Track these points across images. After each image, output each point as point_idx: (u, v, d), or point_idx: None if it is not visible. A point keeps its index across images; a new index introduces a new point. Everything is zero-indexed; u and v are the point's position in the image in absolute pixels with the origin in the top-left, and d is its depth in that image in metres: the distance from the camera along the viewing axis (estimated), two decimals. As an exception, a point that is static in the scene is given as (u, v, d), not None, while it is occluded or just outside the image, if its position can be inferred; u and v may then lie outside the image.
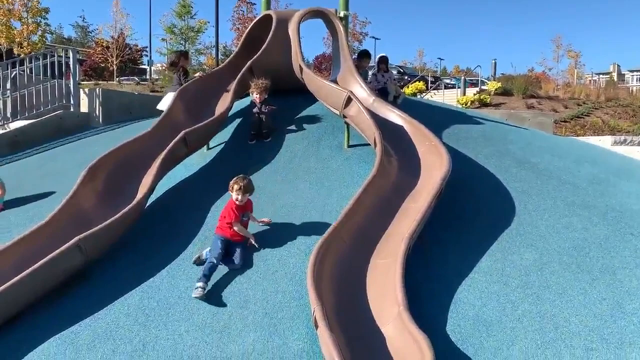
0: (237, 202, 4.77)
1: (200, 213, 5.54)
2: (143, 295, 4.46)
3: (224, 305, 4.31)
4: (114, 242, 4.90)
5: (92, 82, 28.99)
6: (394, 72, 28.16)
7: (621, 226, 5.37)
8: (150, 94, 18.65)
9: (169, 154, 5.74)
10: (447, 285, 4.33)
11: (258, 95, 6.79)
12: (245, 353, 3.85)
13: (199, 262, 4.75)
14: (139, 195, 5.22)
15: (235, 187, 4.76)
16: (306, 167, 6.15)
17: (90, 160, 5.75)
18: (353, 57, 8.05)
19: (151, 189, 5.37)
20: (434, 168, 5.36)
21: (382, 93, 7.74)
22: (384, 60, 8.43)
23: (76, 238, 4.50)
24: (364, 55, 8.80)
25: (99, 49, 39.43)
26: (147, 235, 5.23)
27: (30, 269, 4.33)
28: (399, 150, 5.75)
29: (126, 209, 4.95)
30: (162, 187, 5.86)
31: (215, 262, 4.58)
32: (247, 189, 4.80)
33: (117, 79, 34.53)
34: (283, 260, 4.74)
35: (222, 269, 4.65)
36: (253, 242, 4.85)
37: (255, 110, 6.86)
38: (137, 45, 49.20)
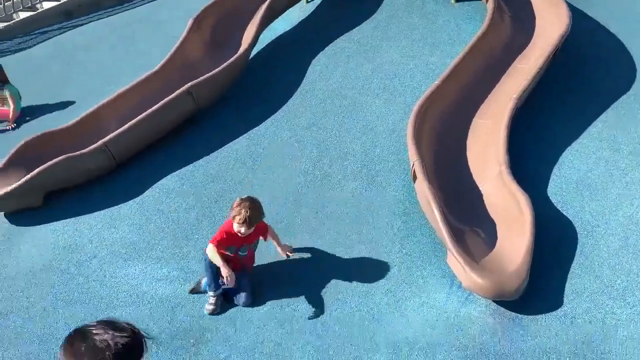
0: (239, 234, 3.29)
1: (300, 67, 5.57)
2: (249, 142, 4.73)
3: (325, 156, 4.49)
4: (221, 92, 5.11)
5: None
6: None
7: None
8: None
9: (270, 5, 5.68)
10: (552, 148, 4.21)
11: None
12: (344, 199, 4.08)
13: (196, 292, 3.51)
14: (243, 47, 5.30)
15: (238, 218, 3.22)
16: (409, 23, 5.86)
17: (194, 12, 5.83)
18: None
19: (254, 41, 5.42)
20: (551, 26, 4.94)
21: None
22: None
23: (187, 85, 4.74)
24: None
25: None
26: (251, 87, 5.39)
27: (146, 112, 4.67)
28: (512, 4, 5.32)
29: (232, 59, 5.08)
30: (263, 40, 5.89)
31: (214, 293, 3.37)
32: (253, 220, 3.25)
33: None
34: (382, 117, 4.77)
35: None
36: (225, 280, 3.31)
37: None
38: None
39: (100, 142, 4.45)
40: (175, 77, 5.10)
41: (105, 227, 4.11)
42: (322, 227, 3.89)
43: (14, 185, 4.19)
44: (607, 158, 4.09)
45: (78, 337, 1.18)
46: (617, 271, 3.31)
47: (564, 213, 3.69)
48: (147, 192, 4.38)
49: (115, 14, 7.52)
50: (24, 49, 7.20)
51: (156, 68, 5.23)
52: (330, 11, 6.50)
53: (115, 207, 4.30)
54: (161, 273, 3.67)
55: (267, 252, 3.63)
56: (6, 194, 4.17)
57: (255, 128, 4.87)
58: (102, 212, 4.25)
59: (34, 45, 7.24)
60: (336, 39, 5.88)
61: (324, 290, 3.42)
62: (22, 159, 4.47)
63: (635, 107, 4.58)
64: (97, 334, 1.17)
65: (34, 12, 7.84)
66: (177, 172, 4.54)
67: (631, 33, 5.60)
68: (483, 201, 3.76)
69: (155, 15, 7.17)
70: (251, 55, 5.61)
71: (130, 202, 4.31)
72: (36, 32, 7.51)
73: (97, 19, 7.51)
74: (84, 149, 4.46)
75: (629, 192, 3.81)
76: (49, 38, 7.37)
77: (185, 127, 4.96)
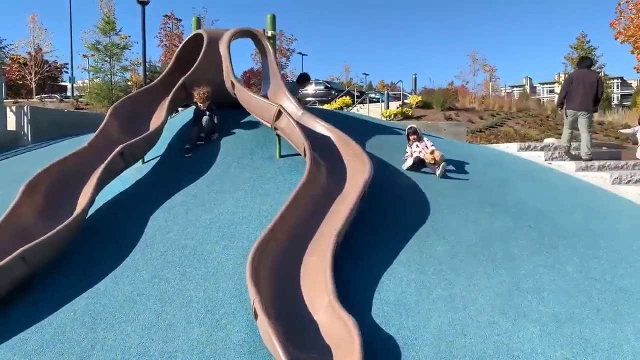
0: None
1: (139, 223, 5.78)
2: (88, 301, 4.67)
3: (168, 306, 4.60)
4: (56, 253, 5.06)
5: (10, 100, 27.74)
6: (321, 86, 28.99)
7: (521, 220, 6.15)
8: (76, 111, 18.25)
9: (107, 167, 5.96)
10: (371, 275, 4.86)
11: (202, 103, 7.61)
12: (190, 346, 4.17)
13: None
14: (79, 208, 5.41)
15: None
16: (241, 177, 6.53)
17: (24, 176, 5.86)
18: (281, 72, 8.56)
19: (91, 201, 5.56)
20: (358, 174, 5.90)
21: (420, 164, 7.32)
22: (414, 131, 7.63)
23: (20, 250, 4.65)
24: (304, 79, 9.43)
25: (16, 65, 37.82)
26: (89, 246, 5.41)
27: (-27, 282, 4.43)
28: (326, 158, 6.26)
29: (68, 220, 5.13)
30: (100, 200, 6.04)
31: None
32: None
33: (39, 96, 33.17)
34: (222, 263, 5.09)
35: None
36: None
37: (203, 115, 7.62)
38: (57, 62, 47.54)
39: None
40: (7, 243, 4.95)
41: None
42: (170, 378, 3.91)
43: None
44: (415, 279, 4.83)
45: None
46: (435, 376, 3.83)
47: (387, 331, 4.21)
48: (-31, 369, 4.03)
49: None
50: None
51: (-17, 235, 5.06)
52: (167, 170, 6.95)
53: None
54: None
55: None
56: None
57: (94, 287, 4.84)
58: None
59: None
60: (174, 194, 6.27)
61: None
62: None
63: (432, 234, 5.55)
64: None
65: None
66: (7, 342, 4.25)
67: (425, 176, 6.90)
68: (319, 329, 4.16)
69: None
70: (89, 214, 5.70)
71: (-51, 383, 3.91)
72: None
73: None
74: None
75: (436, 306, 4.52)
76: None
77: (16, 294, 4.75)
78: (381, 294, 4.63)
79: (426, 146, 7.36)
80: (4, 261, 4.57)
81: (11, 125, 9.91)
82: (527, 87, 79.29)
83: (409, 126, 7.81)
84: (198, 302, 4.62)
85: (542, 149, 10.61)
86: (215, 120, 7.58)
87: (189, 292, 4.74)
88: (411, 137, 7.53)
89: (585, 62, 10.31)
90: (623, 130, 11.04)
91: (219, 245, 5.33)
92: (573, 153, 10.23)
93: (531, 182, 7.81)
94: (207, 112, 7.53)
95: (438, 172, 7.11)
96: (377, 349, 3.99)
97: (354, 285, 4.68)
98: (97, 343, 4.23)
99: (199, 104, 7.57)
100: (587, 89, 9.70)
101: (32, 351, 4.18)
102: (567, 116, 10.02)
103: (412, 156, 7.33)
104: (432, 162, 7.15)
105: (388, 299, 4.57)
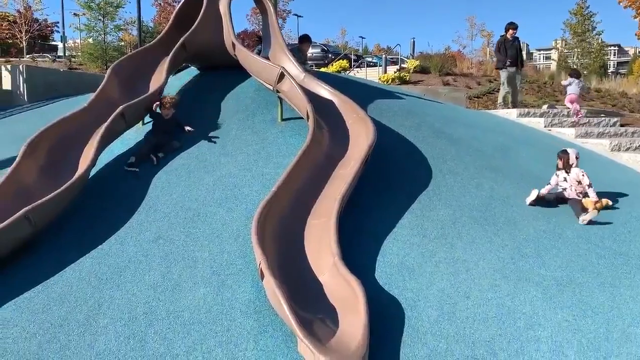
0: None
1: (141, 184, 5.78)
2: (93, 261, 4.70)
3: (173, 266, 4.64)
4: (60, 213, 5.06)
5: (2, 59, 27.17)
6: (318, 49, 28.52)
7: (522, 185, 6.18)
8: (72, 71, 17.93)
9: (108, 128, 5.91)
10: (375, 239, 4.90)
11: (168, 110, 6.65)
12: (197, 305, 4.22)
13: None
14: (82, 168, 5.38)
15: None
16: (243, 140, 6.49)
17: (24, 136, 5.80)
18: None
19: (93, 162, 5.54)
20: (361, 138, 5.88)
21: (563, 200, 5.80)
22: (566, 155, 5.88)
23: (24, 209, 4.64)
24: (306, 40, 9.18)
25: (5, 23, 36.90)
26: (92, 206, 5.42)
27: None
28: (329, 122, 6.22)
29: (72, 180, 5.12)
30: (101, 161, 6.01)
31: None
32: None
33: (31, 56, 32.51)
34: (227, 225, 5.12)
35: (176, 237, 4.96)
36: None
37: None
38: (47, 20, 46.39)
39: None
40: (10, 203, 4.94)
41: None
42: (177, 337, 3.96)
43: None
44: (418, 243, 4.88)
45: None
46: (438, 337, 3.91)
47: (390, 293, 4.28)
48: (-21, 327, 4.06)
49: None
50: None
51: (-15, 195, 5.04)
52: (168, 131, 6.88)
53: (-60, 347, 3.90)
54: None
55: None
56: None
57: (99, 247, 4.87)
58: None
59: None
60: (175, 156, 6.25)
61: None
62: None
63: (434, 199, 5.58)
64: None
65: None
66: (13, 300, 4.30)
67: (426, 141, 6.89)
68: (323, 289, 4.21)
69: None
70: (90, 176, 5.68)
71: (-41, 339, 3.95)
72: None
73: None
74: None
75: (439, 269, 4.58)
76: None
77: (22, 253, 4.77)
78: (384, 257, 4.68)
79: (579, 182, 5.74)
80: (8, 221, 4.58)
81: (6, 84, 9.73)
82: (524, 54, 78.66)
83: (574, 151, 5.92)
84: (203, 263, 4.66)
85: (541, 115, 10.60)
86: (184, 128, 6.61)
87: (194, 253, 4.78)
88: (559, 163, 5.89)
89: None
90: (563, 82, 11.61)
91: (223, 207, 5.34)
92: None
93: (531, 148, 7.83)
94: (169, 122, 6.64)
95: (581, 218, 5.41)
96: (381, 310, 4.05)
97: (358, 249, 4.72)
98: (104, 302, 4.28)
99: (163, 111, 6.61)
100: None
101: (39, 309, 4.22)
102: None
103: (552, 185, 5.85)
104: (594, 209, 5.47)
105: (391, 262, 4.62)
